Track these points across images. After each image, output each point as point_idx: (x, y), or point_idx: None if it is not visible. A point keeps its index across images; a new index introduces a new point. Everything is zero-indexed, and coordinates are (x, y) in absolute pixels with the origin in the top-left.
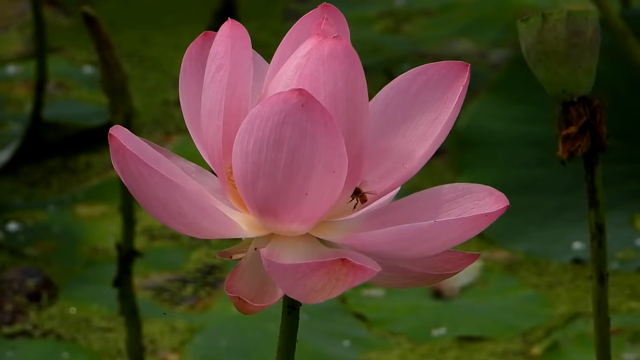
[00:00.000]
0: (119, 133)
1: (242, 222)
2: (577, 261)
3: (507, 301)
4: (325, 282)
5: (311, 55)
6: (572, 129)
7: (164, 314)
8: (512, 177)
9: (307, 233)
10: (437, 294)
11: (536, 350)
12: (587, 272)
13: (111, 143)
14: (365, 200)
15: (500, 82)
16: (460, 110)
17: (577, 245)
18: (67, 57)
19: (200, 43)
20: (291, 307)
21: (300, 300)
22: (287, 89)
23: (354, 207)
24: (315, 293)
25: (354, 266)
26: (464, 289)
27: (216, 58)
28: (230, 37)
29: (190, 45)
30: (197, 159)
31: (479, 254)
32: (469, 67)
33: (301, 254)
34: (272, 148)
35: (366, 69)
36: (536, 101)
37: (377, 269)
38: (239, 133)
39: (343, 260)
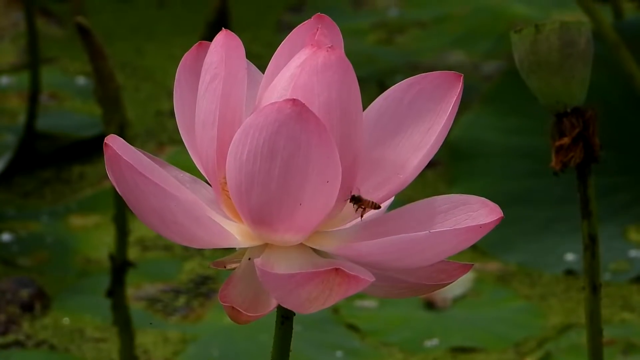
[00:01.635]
0: (114, 142)
1: (236, 232)
2: (569, 272)
3: (499, 312)
4: (319, 291)
5: (305, 65)
6: (566, 140)
7: (150, 323)
8: (505, 189)
9: (301, 243)
10: (430, 305)
11: None
12: (580, 283)
13: (106, 152)
14: (373, 206)
15: (494, 94)
16: (453, 121)
17: (570, 257)
18: (60, 67)
19: (195, 53)
20: (285, 317)
21: (294, 310)
22: (281, 99)
23: (361, 215)
24: (309, 303)
25: (348, 276)
26: (457, 300)
27: (210, 68)
28: (225, 47)
29: (184, 55)
30: (190, 169)
31: (473, 264)
32: (462, 78)
33: (295, 263)
34: (266, 158)
35: (359, 80)
36: (529, 112)
37: (371, 279)
38: (233, 143)
39: (337, 270)
